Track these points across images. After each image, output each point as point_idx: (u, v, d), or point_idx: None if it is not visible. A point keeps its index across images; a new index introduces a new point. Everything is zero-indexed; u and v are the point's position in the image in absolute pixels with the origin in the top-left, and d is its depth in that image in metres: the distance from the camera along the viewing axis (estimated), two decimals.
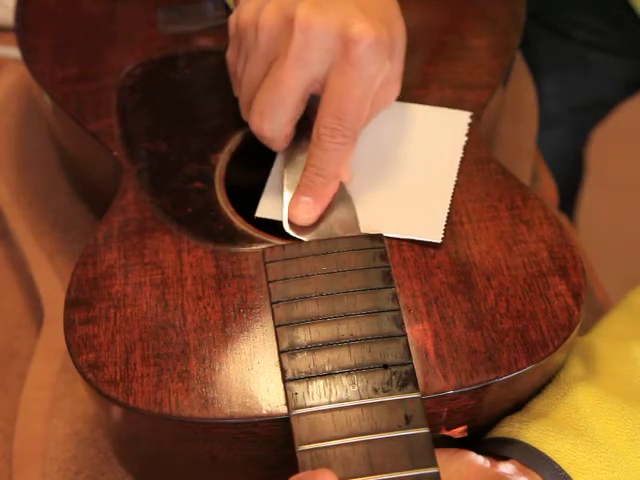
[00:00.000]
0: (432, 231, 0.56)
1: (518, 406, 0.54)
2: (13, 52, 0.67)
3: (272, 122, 0.57)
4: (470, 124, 0.62)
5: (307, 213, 0.56)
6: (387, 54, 0.56)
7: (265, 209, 0.58)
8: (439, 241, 0.55)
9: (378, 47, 0.55)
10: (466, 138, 0.61)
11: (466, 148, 0.60)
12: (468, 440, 0.52)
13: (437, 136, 0.62)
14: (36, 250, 0.69)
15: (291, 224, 0.56)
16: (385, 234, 0.55)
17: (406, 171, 0.60)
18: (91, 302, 0.53)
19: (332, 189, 0.57)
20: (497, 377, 0.50)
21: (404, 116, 0.62)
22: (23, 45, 0.66)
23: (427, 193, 0.58)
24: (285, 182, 0.58)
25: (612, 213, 1.49)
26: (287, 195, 0.57)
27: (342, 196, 0.58)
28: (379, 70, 0.55)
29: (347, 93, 0.55)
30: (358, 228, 0.56)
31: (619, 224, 1.49)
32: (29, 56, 0.65)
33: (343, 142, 0.56)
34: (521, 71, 0.81)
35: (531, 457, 0.50)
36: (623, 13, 0.84)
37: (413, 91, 0.64)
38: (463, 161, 0.60)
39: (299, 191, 0.57)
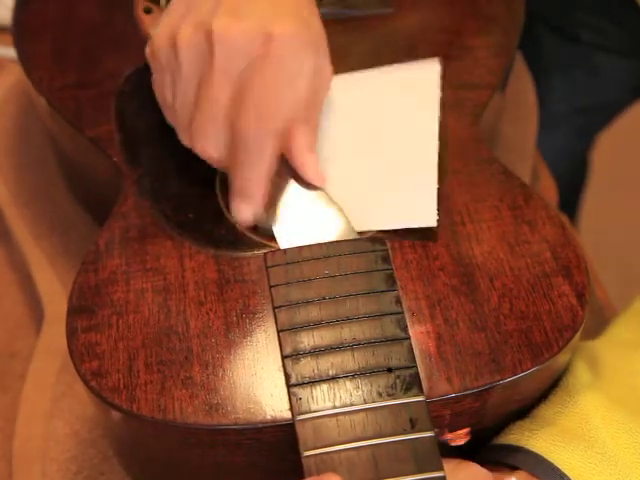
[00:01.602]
0: (426, 216, 0.55)
1: (523, 409, 0.54)
2: (12, 53, 0.66)
3: (217, 141, 0.55)
4: (440, 72, 0.62)
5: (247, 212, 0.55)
6: (312, 50, 0.55)
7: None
8: (435, 224, 0.55)
9: (298, 42, 0.54)
10: (439, 91, 0.61)
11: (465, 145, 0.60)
12: (474, 444, 0.52)
13: (411, 97, 0.61)
14: (36, 251, 0.69)
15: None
16: (380, 229, 0.55)
17: (385, 155, 0.59)
18: (93, 309, 0.52)
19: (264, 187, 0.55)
20: (501, 379, 0.50)
21: (371, 86, 0.62)
22: (21, 52, 0.66)
23: (412, 175, 0.58)
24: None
25: (615, 215, 1.49)
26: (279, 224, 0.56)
27: (329, 204, 0.57)
28: (304, 65, 0.54)
29: (271, 91, 0.54)
30: (354, 232, 0.56)
31: (621, 226, 1.49)
32: (27, 63, 0.65)
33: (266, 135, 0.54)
34: (521, 71, 0.81)
35: (540, 468, 0.50)
36: (627, 13, 0.84)
37: None
38: (464, 161, 0.59)
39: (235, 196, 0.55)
